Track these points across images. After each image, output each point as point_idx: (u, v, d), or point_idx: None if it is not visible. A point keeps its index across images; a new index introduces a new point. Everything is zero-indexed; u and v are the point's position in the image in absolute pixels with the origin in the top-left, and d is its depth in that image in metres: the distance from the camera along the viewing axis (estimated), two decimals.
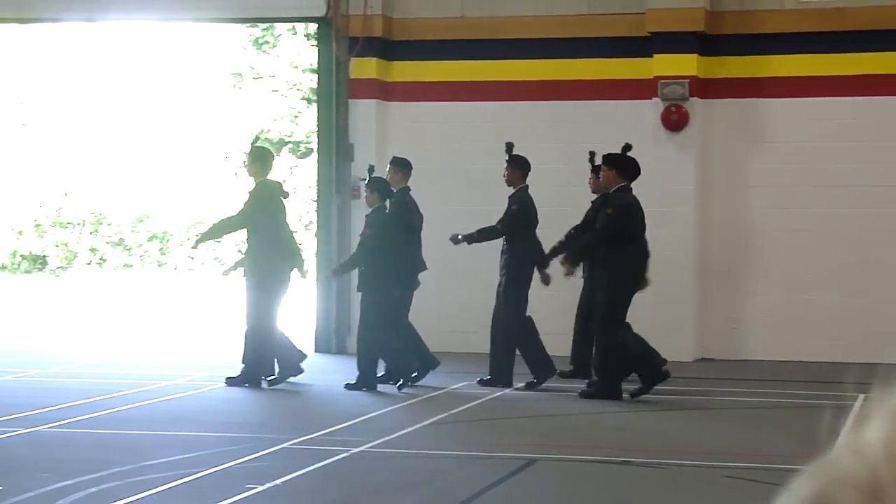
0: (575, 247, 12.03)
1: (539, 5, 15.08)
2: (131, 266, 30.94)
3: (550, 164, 15.06)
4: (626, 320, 11.70)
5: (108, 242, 31.44)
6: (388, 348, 12.06)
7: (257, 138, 12.10)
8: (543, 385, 12.15)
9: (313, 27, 18.54)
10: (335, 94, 15.16)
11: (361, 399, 11.51)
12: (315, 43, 16.61)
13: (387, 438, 9.43)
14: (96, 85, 32.19)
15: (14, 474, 8.11)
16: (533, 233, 12.38)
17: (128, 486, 7.73)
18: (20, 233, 31.79)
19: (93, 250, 31.56)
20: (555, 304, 13.31)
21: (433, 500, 7.69)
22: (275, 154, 11.94)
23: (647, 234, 12.13)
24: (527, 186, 12.47)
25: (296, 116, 31.40)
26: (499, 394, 11.80)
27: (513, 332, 12.17)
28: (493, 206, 15.04)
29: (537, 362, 12.19)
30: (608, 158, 11.85)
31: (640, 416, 10.99)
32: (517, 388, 12.13)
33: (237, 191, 30.48)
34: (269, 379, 12.13)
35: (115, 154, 30.97)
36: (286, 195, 12.40)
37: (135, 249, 30.58)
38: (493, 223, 12.49)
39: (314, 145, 19.02)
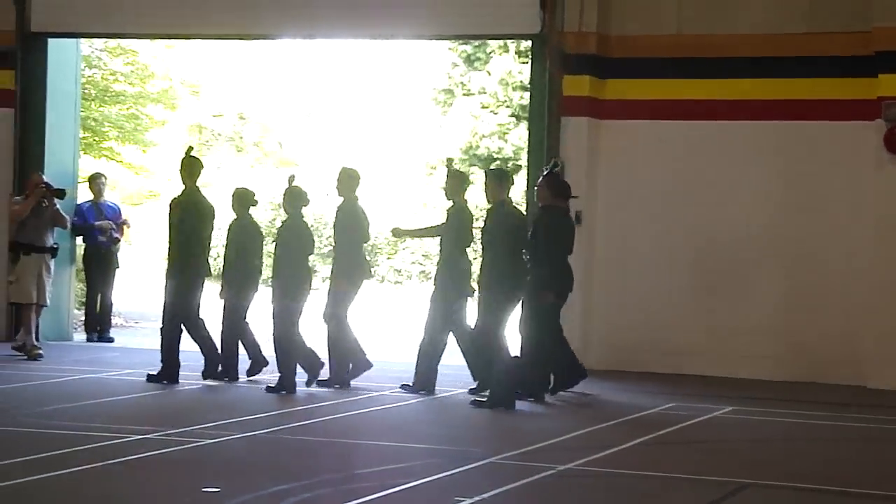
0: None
1: (757, 23, 14.79)
2: None
3: (767, 185, 14.76)
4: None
5: (317, 254, 32.09)
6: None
7: (191, 148, 12.87)
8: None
9: (525, 44, 18.68)
10: (547, 111, 15.16)
11: (568, 417, 11.45)
12: (528, 59, 16.65)
13: (592, 457, 9.37)
14: (311, 99, 32.94)
15: (232, 477, 8.31)
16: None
17: (339, 494, 7.84)
18: None
19: None
20: None
21: None
22: (202, 164, 13.15)
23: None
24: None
25: (505, 133, 31.54)
26: (706, 416, 11.61)
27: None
28: (708, 225, 14.86)
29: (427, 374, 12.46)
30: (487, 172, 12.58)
31: (851, 446, 10.69)
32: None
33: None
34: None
35: (325, 166, 31.60)
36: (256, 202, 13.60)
37: None
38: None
39: (523, 162, 19.08)
